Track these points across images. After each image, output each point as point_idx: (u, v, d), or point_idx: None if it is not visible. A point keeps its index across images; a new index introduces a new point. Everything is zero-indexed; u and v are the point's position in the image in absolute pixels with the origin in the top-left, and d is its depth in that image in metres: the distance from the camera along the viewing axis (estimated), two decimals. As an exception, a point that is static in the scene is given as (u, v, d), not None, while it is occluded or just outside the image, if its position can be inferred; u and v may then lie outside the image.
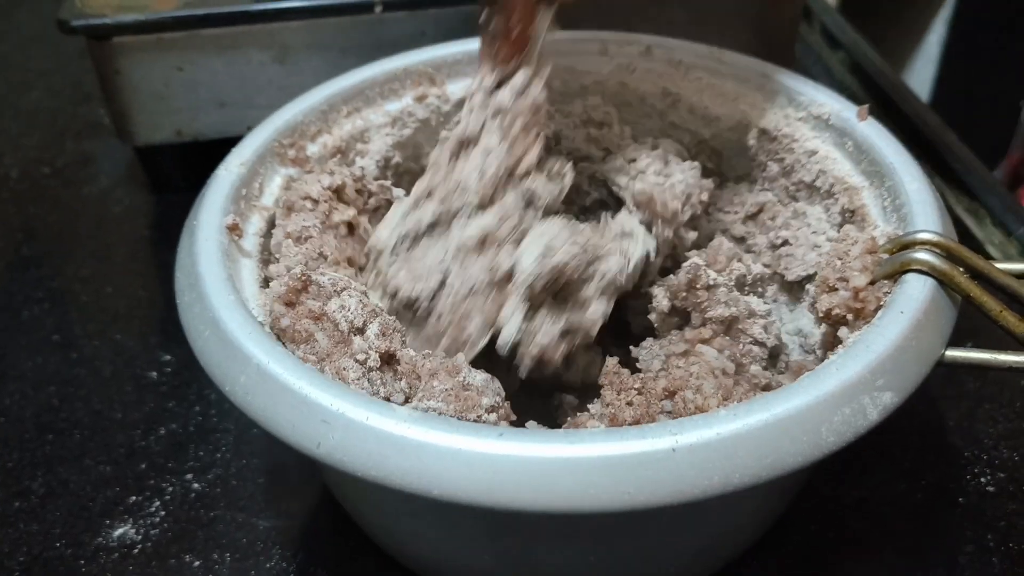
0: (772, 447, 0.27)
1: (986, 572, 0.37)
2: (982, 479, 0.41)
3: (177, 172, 0.60)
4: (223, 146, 0.56)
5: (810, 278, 0.39)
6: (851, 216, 0.38)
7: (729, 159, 0.45)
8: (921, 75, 0.99)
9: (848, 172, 0.39)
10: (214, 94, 0.56)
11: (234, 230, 0.36)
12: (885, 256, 0.34)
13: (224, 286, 0.32)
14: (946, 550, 0.38)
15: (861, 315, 0.33)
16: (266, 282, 0.35)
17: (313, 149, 0.42)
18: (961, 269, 0.32)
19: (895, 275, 0.32)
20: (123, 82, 0.55)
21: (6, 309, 0.52)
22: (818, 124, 0.40)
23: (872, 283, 0.33)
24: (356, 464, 0.27)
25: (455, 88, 0.45)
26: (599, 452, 0.26)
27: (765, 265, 0.41)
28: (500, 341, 0.35)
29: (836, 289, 0.34)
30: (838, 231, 0.38)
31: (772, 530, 0.39)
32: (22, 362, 0.49)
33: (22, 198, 0.61)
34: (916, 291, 0.31)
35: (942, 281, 0.31)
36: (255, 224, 0.38)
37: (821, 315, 0.34)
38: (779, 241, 0.42)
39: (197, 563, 0.39)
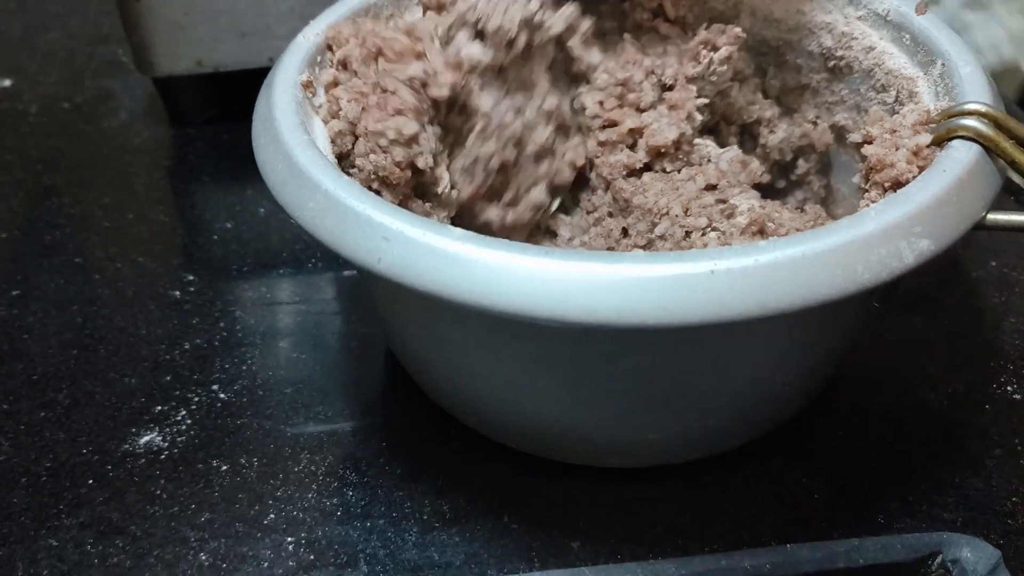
0: (808, 277, 0.28)
1: (1015, 475, 0.38)
2: (1008, 387, 0.41)
3: (196, 105, 0.60)
4: (243, 78, 0.56)
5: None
6: (905, 104, 0.38)
7: (790, 64, 0.45)
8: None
9: (904, 64, 0.39)
10: (235, 23, 0.56)
11: (308, 87, 0.38)
12: (934, 126, 0.34)
13: (297, 128, 0.34)
14: (973, 453, 0.38)
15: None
16: (334, 138, 0.38)
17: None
18: (1010, 140, 0.32)
19: (942, 142, 0.33)
20: (143, 10, 0.55)
21: (28, 234, 0.52)
22: (877, 21, 0.41)
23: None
24: (413, 277, 0.29)
25: None
26: (641, 272, 0.27)
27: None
28: None
29: (892, 164, 0.34)
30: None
31: (799, 434, 0.39)
32: (44, 283, 0.49)
33: (42, 132, 0.61)
34: (960, 154, 0.32)
35: (988, 148, 0.32)
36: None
37: (886, 185, 0.34)
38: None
39: (225, 467, 0.39)
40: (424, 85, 0.37)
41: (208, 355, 0.44)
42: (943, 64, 0.37)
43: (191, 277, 0.49)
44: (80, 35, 0.72)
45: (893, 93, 0.40)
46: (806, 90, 0.44)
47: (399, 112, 0.36)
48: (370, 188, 0.36)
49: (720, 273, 0.27)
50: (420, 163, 0.36)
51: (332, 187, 0.31)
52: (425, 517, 0.37)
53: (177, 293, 0.48)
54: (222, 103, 0.61)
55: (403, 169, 0.36)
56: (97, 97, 0.64)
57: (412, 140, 0.36)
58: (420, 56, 0.37)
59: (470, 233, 0.29)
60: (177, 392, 0.42)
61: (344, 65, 0.39)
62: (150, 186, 0.56)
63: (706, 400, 0.35)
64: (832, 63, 0.42)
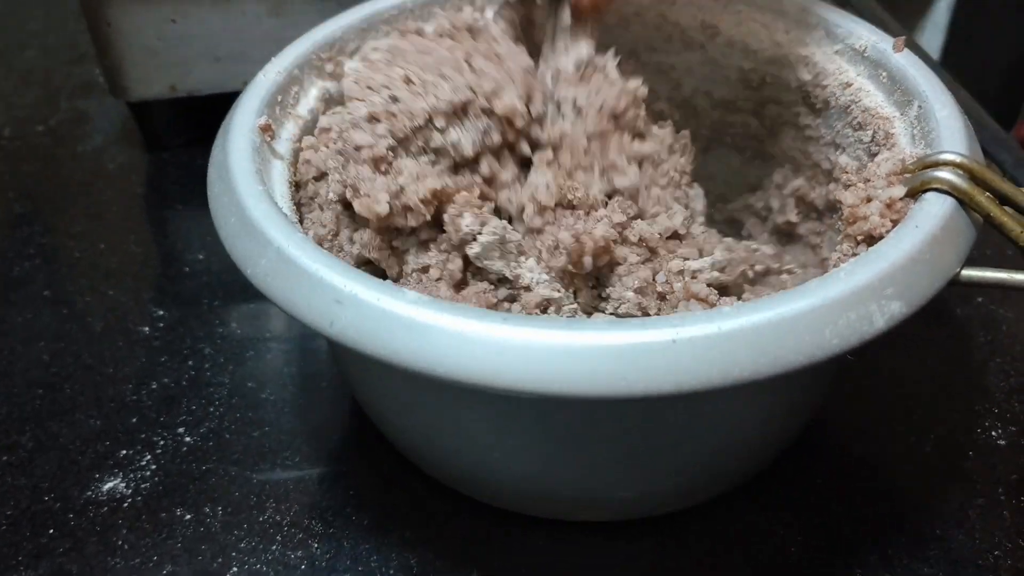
0: (774, 344, 0.26)
1: (997, 526, 0.36)
2: (993, 433, 0.40)
3: (171, 130, 0.59)
4: (218, 102, 0.55)
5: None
6: (881, 146, 0.37)
7: (770, 94, 0.44)
8: (930, 43, 0.98)
9: (880, 103, 0.38)
10: (209, 48, 0.55)
11: (267, 131, 0.37)
12: (908, 176, 0.33)
13: (252, 178, 0.33)
14: (956, 504, 0.37)
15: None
16: (296, 186, 0.37)
17: (351, 66, 0.41)
18: (985, 193, 0.31)
19: (916, 194, 0.32)
20: (115, 35, 0.54)
21: (-3, 265, 0.51)
22: (854, 57, 0.39)
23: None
24: (365, 342, 0.28)
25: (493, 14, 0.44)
26: (600, 340, 0.26)
27: None
28: None
29: (865, 217, 0.33)
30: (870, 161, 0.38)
31: (776, 482, 0.38)
32: (12, 317, 0.48)
33: (14, 156, 0.60)
34: (934, 208, 0.30)
35: (963, 201, 0.31)
36: (289, 130, 0.38)
37: (859, 238, 0.33)
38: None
39: (188, 516, 0.38)
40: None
41: (175, 395, 0.43)
42: (920, 106, 0.35)
43: (161, 312, 0.48)
44: (58, 54, 0.71)
45: (870, 132, 0.38)
46: (789, 127, 0.43)
47: None
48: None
49: (682, 342, 0.26)
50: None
51: (285, 244, 0.30)
52: (391, 572, 0.36)
53: (146, 329, 0.47)
54: (197, 127, 0.60)
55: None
56: (72, 119, 0.63)
57: None
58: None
59: (425, 297, 0.28)
60: (143, 435, 0.41)
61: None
62: (123, 214, 0.55)
63: (675, 459, 0.34)
64: (809, 98, 0.41)
